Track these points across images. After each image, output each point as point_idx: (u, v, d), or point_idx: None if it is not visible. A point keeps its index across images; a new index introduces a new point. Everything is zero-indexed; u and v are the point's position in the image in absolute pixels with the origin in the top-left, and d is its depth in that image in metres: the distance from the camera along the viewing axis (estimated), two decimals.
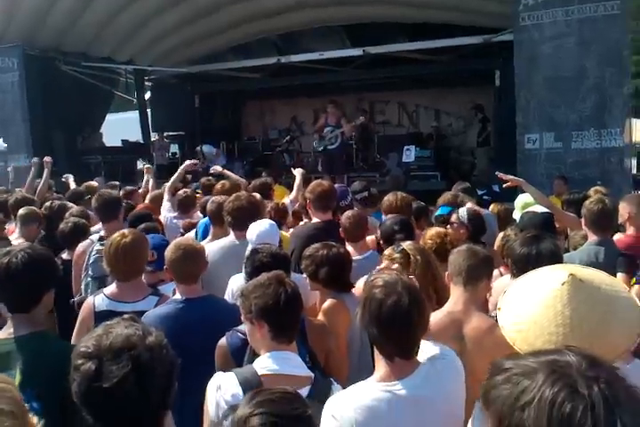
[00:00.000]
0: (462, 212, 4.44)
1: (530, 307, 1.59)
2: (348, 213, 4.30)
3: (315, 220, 4.63)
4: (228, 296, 3.49)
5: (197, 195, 6.43)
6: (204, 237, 4.83)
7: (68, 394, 1.53)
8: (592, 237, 4.03)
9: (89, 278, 4.09)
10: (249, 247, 3.67)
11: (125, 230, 3.46)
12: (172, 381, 1.55)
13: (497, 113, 12.42)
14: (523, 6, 9.02)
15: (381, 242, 3.83)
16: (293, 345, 2.28)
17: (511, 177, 4.59)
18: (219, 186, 5.86)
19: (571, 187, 7.00)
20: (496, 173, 4.61)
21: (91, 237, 4.56)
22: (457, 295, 2.72)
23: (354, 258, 3.65)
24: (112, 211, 4.64)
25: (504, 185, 4.70)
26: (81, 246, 4.41)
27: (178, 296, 3.14)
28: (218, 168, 7.51)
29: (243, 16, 13.39)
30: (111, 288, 3.33)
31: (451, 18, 12.33)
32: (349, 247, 3.95)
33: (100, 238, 4.31)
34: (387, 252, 3.27)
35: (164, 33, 13.41)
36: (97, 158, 13.40)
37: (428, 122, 15.12)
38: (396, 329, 1.97)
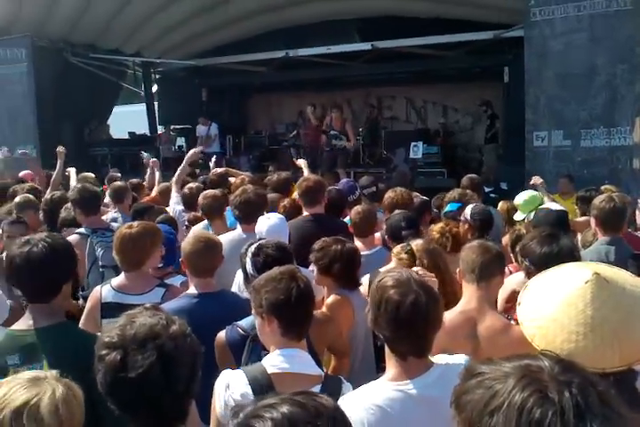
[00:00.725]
0: (468, 209, 4.43)
1: (551, 304, 1.56)
2: (358, 208, 4.30)
3: (304, 213, 4.65)
4: (235, 290, 3.48)
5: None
6: None
7: (94, 385, 1.53)
8: (602, 236, 4.00)
9: (100, 269, 4.10)
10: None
11: (135, 222, 3.45)
12: (196, 369, 1.55)
13: (506, 110, 12.37)
14: (534, 1, 8.94)
15: (387, 238, 3.80)
16: (303, 342, 2.25)
17: None
18: (238, 181, 5.84)
19: (578, 186, 6.94)
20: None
21: (78, 229, 4.55)
22: (470, 293, 2.68)
23: (362, 253, 3.64)
24: (92, 206, 4.64)
25: None
26: (72, 240, 4.38)
27: (192, 290, 3.10)
28: (218, 170, 7.40)
29: (251, 9, 13.34)
30: (118, 279, 3.33)
31: (461, 13, 12.24)
32: (357, 242, 3.93)
33: (94, 231, 4.32)
34: (395, 250, 3.25)
35: (173, 26, 13.37)
36: (104, 150, 13.43)
37: (436, 118, 15.04)
38: (414, 329, 1.93)
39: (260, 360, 2.23)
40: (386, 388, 1.95)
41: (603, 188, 5.73)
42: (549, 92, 8.92)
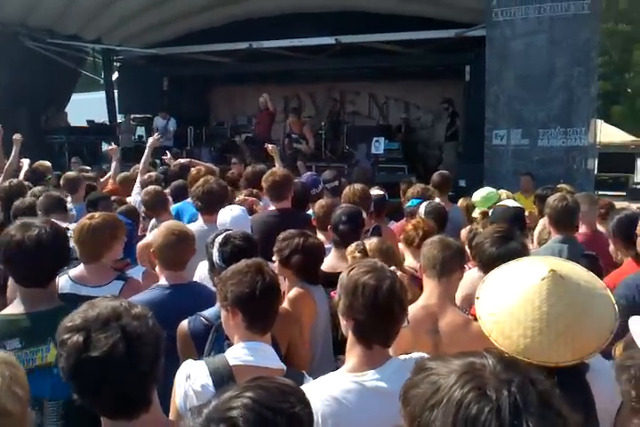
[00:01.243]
0: (422, 206, 4.52)
1: (508, 299, 1.60)
2: (321, 201, 4.35)
3: (271, 208, 4.65)
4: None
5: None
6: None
7: None
8: (555, 235, 4.10)
9: None
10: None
11: (97, 213, 3.40)
12: (159, 351, 1.55)
13: (466, 108, 12.53)
14: (496, 2, 9.08)
15: (330, 229, 3.85)
16: (268, 336, 2.25)
17: None
18: (194, 171, 5.75)
19: (535, 185, 7.11)
20: None
21: None
22: (431, 288, 2.72)
23: (325, 246, 3.69)
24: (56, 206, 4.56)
25: None
26: None
27: (163, 282, 3.07)
28: (182, 160, 7.25)
29: (214, 0, 13.21)
30: (76, 270, 3.26)
31: (425, 11, 12.35)
32: (320, 236, 3.96)
33: None
34: (350, 249, 3.30)
35: (134, 12, 13.13)
36: (61, 138, 13.12)
37: (398, 114, 15.15)
38: (391, 312, 1.96)
39: (223, 351, 2.23)
40: (344, 379, 1.97)
41: (558, 186, 5.87)
42: (509, 91, 9.09)
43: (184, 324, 2.60)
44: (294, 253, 3.14)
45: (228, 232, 3.01)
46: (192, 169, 5.95)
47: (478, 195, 5.53)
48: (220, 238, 2.94)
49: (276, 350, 2.57)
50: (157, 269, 3.20)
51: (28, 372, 1.71)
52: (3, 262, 2.53)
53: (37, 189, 5.29)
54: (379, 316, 1.95)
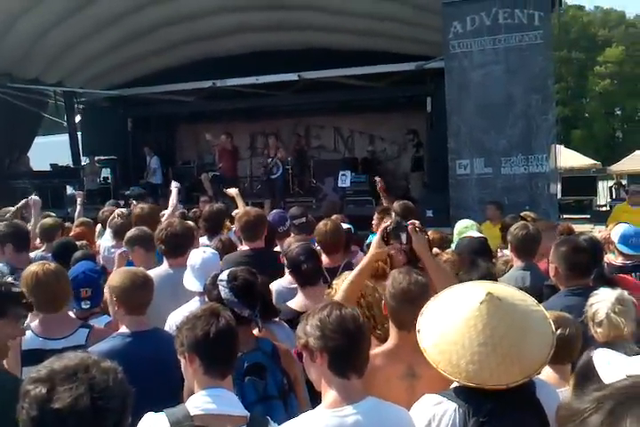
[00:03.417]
0: None
1: (450, 327, 1.61)
2: (291, 239, 4.29)
3: (244, 247, 4.59)
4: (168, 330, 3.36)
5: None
6: None
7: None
8: (517, 263, 4.15)
9: None
10: (189, 275, 3.58)
11: (38, 263, 3.29)
12: (126, 408, 1.47)
13: (429, 138, 12.71)
14: (452, 34, 9.31)
15: (288, 270, 3.76)
16: (228, 380, 2.20)
17: None
18: (137, 210, 5.55)
19: (502, 212, 7.16)
20: None
21: None
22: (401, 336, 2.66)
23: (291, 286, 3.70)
24: (24, 242, 4.44)
25: None
26: None
27: (124, 329, 2.98)
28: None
29: (178, 39, 13.32)
30: (36, 323, 3.15)
31: (386, 46, 12.63)
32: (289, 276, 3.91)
33: (14, 270, 4.09)
34: (329, 291, 3.26)
35: (96, 55, 13.15)
36: (25, 183, 12.89)
37: (363, 147, 15.32)
38: (360, 333, 2.01)
39: None
40: (324, 416, 1.95)
41: (522, 214, 5.91)
42: (470, 121, 9.25)
43: None
44: None
45: (231, 269, 2.96)
46: (135, 208, 5.77)
47: (459, 225, 5.49)
48: (224, 276, 2.89)
49: (292, 386, 2.73)
50: (117, 315, 3.10)
51: None
52: None
53: None
54: (350, 337, 1.98)
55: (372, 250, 2.92)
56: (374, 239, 2.95)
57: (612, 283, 3.62)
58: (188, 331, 2.16)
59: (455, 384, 1.59)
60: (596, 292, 2.75)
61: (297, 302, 3.55)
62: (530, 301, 1.71)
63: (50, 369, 1.44)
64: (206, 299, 3.39)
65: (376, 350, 2.43)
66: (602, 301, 2.62)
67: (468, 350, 1.55)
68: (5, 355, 2.46)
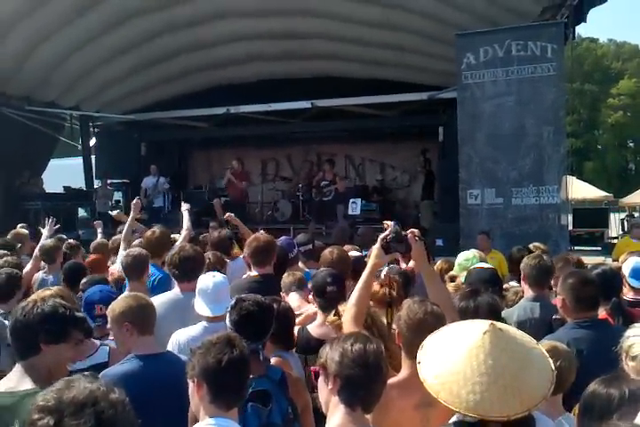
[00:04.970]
0: (385, 269, 4.39)
1: (451, 358, 1.60)
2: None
3: (253, 273, 4.58)
4: (172, 350, 3.34)
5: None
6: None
7: None
8: (528, 293, 4.12)
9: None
10: (198, 299, 3.56)
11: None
12: None
13: (441, 168, 12.73)
14: (465, 65, 9.39)
15: (312, 295, 3.75)
16: (234, 411, 2.16)
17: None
18: (149, 233, 5.54)
19: (510, 242, 7.12)
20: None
21: None
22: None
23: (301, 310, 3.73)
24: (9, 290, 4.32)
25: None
26: None
27: (136, 352, 2.96)
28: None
29: (193, 66, 13.53)
30: None
31: (398, 75, 12.74)
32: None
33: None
34: (330, 318, 3.23)
35: (113, 80, 13.37)
36: (37, 204, 12.99)
37: (374, 175, 15.36)
38: (378, 370, 2.00)
39: None
40: None
41: (531, 246, 5.88)
42: (481, 151, 9.27)
43: None
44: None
45: (242, 296, 2.93)
46: (143, 231, 5.77)
47: (461, 257, 5.47)
48: (232, 303, 2.88)
49: (297, 416, 2.70)
50: (126, 340, 3.08)
51: None
52: None
53: (7, 259, 5.13)
54: (367, 371, 1.97)
55: (371, 259, 2.91)
56: (374, 248, 2.94)
57: (629, 316, 3.58)
58: (200, 356, 2.15)
59: (455, 417, 1.57)
60: (636, 325, 2.71)
61: (315, 330, 3.52)
62: (528, 338, 1.70)
63: (58, 400, 1.42)
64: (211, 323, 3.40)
65: (390, 380, 2.41)
66: None
67: (469, 380, 1.54)
68: (63, 376, 2.47)
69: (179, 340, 3.46)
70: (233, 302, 2.88)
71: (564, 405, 2.72)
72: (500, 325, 1.63)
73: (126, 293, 3.73)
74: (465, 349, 1.58)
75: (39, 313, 2.41)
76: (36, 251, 5.84)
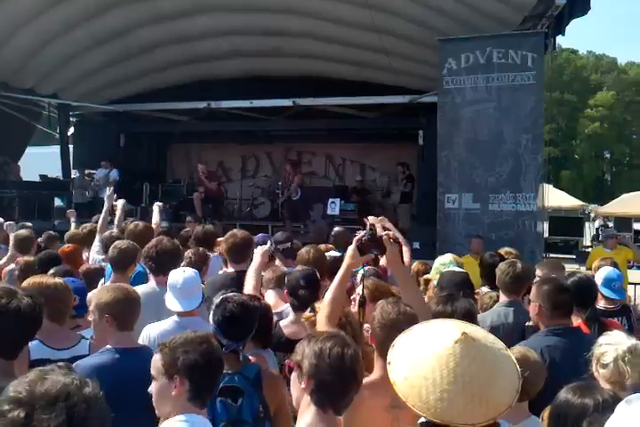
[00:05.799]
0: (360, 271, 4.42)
1: (422, 363, 1.61)
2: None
3: (230, 269, 4.56)
4: (145, 344, 3.32)
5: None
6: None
7: None
8: (503, 298, 4.16)
9: None
10: (169, 295, 3.55)
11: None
12: None
13: (420, 172, 12.80)
14: (446, 70, 9.46)
15: (286, 293, 3.77)
16: (205, 412, 2.19)
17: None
18: (131, 226, 5.53)
19: (486, 248, 7.19)
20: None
21: None
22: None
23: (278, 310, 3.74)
24: None
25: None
26: None
27: (113, 345, 2.94)
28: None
29: (175, 59, 13.42)
30: (44, 333, 3.08)
31: (381, 77, 12.78)
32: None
33: None
34: (305, 315, 3.24)
35: (93, 69, 13.18)
36: (12, 193, 12.79)
37: (354, 176, 15.39)
38: (353, 377, 2.03)
39: None
40: None
41: (502, 251, 5.88)
42: (460, 156, 9.34)
43: None
44: None
45: (227, 295, 2.91)
46: (130, 224, 5.73)
47: (438, 261, 5.49)
48: (217, 300, 2.87)
49: (268, 414, 2.69)
50: (104, 331, 3.05)
51: None
52: None
53: None
54: (342, 377, 2.00)
55: (346, 260, 2.91)
56: (349, 249, 2.93)
57: (605, 326, 3.63)
58: (186, 353, 2.12)
59: (424, 418, 1.59)
60: (609, 333, 2.74)
61: (286, 329, 3.55)
62: (499, 344, 1.73)
63: (30, 392, 1.40)
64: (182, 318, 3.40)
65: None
66: (614, 344, 2.59)
67: (438, 387, 1.56)
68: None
69: (149, 334, 3.45)
70: (217, 301, 2.87)
71: (531, 409, 2.76)
72: (472, 333, 1.64)
73: (111, 284, 3.68)
74: (435, 355, 1.60)
75: None
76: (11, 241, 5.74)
